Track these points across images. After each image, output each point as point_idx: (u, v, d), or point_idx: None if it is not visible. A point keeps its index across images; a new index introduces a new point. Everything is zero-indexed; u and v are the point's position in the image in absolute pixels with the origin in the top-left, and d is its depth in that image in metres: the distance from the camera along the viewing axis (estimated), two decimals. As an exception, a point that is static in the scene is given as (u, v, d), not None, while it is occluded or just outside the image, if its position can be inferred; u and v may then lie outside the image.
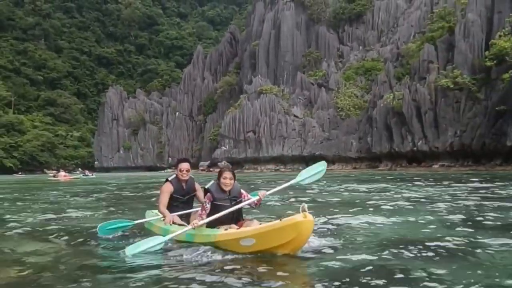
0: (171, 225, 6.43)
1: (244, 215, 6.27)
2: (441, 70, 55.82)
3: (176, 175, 6.89)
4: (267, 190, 6.05)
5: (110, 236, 6.84)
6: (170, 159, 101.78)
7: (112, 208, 11.79)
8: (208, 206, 5.86)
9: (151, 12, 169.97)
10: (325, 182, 22.16)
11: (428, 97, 55.37)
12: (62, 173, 54.67)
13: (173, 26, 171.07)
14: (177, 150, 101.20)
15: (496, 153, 48.89)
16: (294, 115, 74.12)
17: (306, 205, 4.84)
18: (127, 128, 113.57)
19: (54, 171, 70.39)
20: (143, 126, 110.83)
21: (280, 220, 4.93)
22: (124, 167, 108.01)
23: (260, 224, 5.52)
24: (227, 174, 5.90)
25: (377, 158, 63.06)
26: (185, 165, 6.85)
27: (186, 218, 6.71)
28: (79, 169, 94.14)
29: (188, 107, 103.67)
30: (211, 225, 5.80)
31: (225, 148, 77.65)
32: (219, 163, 76.37)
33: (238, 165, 76.76)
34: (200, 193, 6.94)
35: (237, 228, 5.61)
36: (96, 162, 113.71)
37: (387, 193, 14.58)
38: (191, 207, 7.00)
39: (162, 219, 6.73)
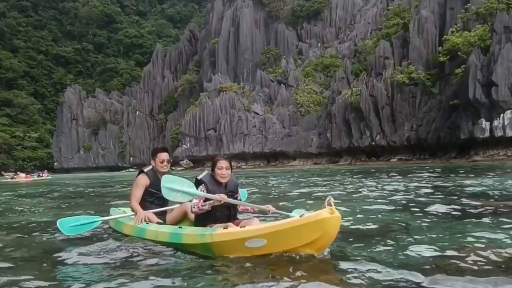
0: (146, 223, 5.61)
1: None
2: (397, 66, 56.89)
3: (153, 166, 6.10)
4: (276, 208, 5.13)
5: (75, 234, 5.80)
6: (131, 158, 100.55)
7: (66, 208, 11.09)
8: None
9: (109, 10, 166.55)
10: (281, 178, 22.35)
11: (385, 93, 56.33)
12: (22, 174, 53.58)
13: (132, 25, 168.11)
14: (139, 150, 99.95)
15: (450, 146, 50.25)
16: (255, 112, 74.26)
17: (332, 198, 4.04)
18: (87, 128, 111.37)
19: (11, 173, 68.54)
20: (104, 126, 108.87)
21: (301, 216, 4.09)
22: (84, 168, 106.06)
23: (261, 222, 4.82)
24: (223, 163, 5.05)
25: (337, 153, 63.72)
26: (165, 155, 6.10)
27: (162, 217, 5.88)
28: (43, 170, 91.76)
29: (149, 106, 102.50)
30: (201, 224, 4.97)
31: (186, 147, 77.13)
32: (180, 162, 75.97)
33: (199, 163, 76.37)
34: None
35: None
36: (55, 163, 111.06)
37: (336, 186, 14.73)
38: (167, 204, 6.10)
39: (133, 216, 5.91)
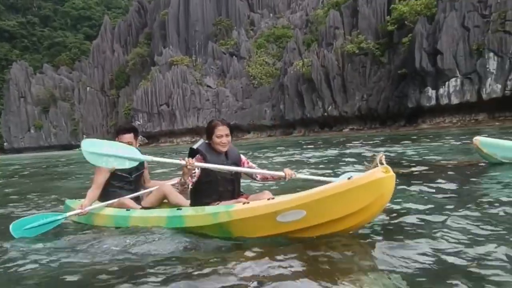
0: (128, 210, 4.72)
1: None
2: (347, 36, 56.98)
3: None
4: (297, 172, 4.25)
5: (32, 236, 4.71)
6: (84, 136, 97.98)
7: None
8: (197, 172, 4.11)
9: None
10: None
11: (336, 63, 56.46)
12: None
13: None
14: (92, 127, 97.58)
15: (399, 115, 51.22)
16: (207, 86, 73.33)
17: (383, 155, 3.50)
18: (36, 106, 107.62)
19: None
20: (54, 103, 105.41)
21: (349, 178, 3.42)
22: (36, 147, 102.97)
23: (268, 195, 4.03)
24: (222, 130, 4.19)
25: (290, 125, 63.88)
26: (127, 137, 5.10)
27: (136, 202, 5.06)
28: None
29: (100, 81, 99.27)
30: (201, 204, 4.17)
31: (139, 123, 75.50)
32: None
33: (154, 139, 75.42)
34: (146, 172, 5.45)
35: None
36: (5, 144, 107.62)
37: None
38: (140, 189, 5.29)
39: (105, 207, 4.98)
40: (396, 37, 51.83)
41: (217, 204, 4.07)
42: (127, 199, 4.96)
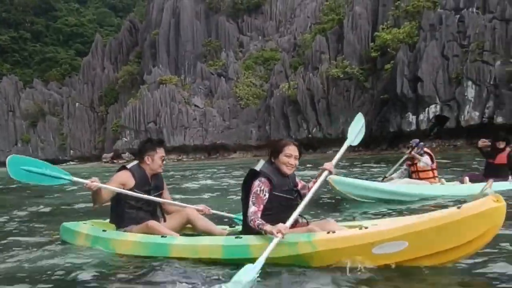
0: (165, 237, 4.15)
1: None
2: (332, 61, 58.41)
3: (139, 163, 4.66)
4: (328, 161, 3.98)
5: (23, 181, 4.27)
6: (72, 151, 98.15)
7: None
8: (267, 196, 3.69)
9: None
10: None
11: (321, 86, 57.74)
12: None
13: (72, 12, 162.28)
14: (79, 142, 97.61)
15: (382, 139, 52.32)
16: (195, 105, 74.12)
17: (492, 183, 3.21)
18: (24, 120, 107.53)
19: None
20: (42, 118, 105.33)
21: (458, 207, 3.17)
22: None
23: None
24: (293, 150, 3.80)
25: (276, 145, 64.69)
26: (163, 151, 4.71)
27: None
28: None
29: (89, 97, 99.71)
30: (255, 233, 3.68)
31: (126, 139, 76.10)
32: (122, 154, 74.98)
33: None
34: (167, 192, 4.90)
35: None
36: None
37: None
38: (157, 210, 4.80)
39: (125, 233, 4.45)
40: (379, 64, 53.28)
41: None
42: (156, 223, 4.37)
